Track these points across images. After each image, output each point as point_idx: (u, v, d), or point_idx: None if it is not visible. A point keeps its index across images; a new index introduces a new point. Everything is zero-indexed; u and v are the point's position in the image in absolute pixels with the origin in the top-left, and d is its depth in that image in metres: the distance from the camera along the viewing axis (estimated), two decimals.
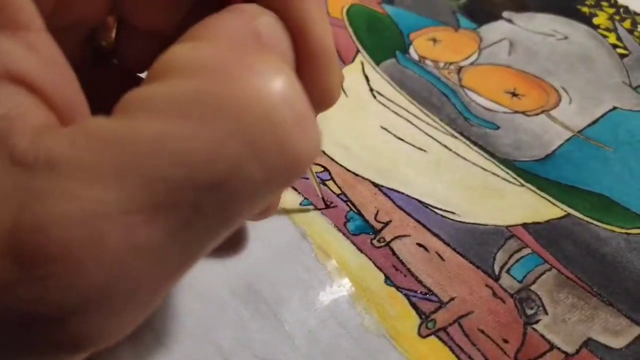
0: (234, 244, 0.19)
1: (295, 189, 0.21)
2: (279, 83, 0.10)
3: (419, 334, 0.17)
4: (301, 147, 0.10)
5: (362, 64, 0.27)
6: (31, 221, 0.09)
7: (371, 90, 0.25)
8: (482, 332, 0.18)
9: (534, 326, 0.18)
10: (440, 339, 0.17)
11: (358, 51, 0.27)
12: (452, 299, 0.18)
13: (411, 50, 0.28)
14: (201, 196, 0.09)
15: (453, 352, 0.17)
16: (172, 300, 0.17)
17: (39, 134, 0.09)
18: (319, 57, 0.13)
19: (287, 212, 0.20)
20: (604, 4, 0.31)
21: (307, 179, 0.21)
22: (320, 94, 0.14)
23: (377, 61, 0.27)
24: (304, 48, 0.13)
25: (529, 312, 0.18)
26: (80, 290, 0.09)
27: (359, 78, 0.26)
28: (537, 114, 0.25)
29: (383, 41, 0.28)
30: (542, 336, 0.18)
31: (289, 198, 0.21)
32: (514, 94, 0.26)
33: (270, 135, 0.10)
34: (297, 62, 0.13)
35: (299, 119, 0.10)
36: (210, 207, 0.10)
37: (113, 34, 0.16)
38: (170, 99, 0.10)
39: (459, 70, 0.27)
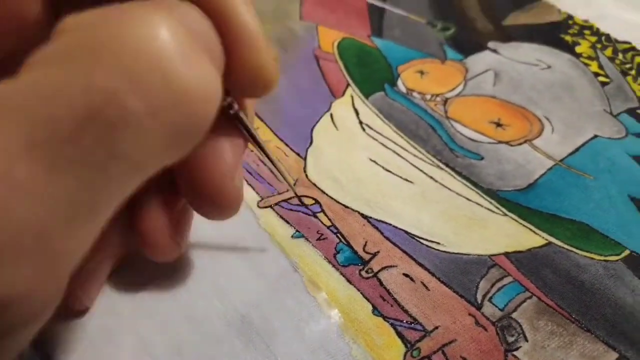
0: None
1: (287, 221, 0.22)
2: (157, 19, 0.11)
3: (404, 359, 0.18)
4: (187, 81, 0.11)
5: (352, 97, 0.28)
6: None
7: (360, 123, 0.27)
8: (465, 359, 0.19)
9: (515, 353, 0.19)
10: None
11: (348, 85, 0.29)
12: (436, 327, 0.19)
13: (399, 82, 0.29)
14: (79, 129, 0.10)
15: None
16: (174, 332, 0.18)
17: None
18: (242, 35, 0.14)
19: (279, 244, 0.21)
20: (586, 32, 0.32)
21: (299, 211, 0.22)
22: (252, 72, 0.15)
23: (367, 94, 0.28)
24: (226, 30, 0.13)
25: (510, 339, 0.19)
26: None
27: (349, 111, 0.27)
28: (521, 144, 0.26)
29: (372, 74, 0.29)
30: None
31: (281, 230, 0.22)
32: (498, 124, 0.27)
33: (151, 68, 0.10)
34: (225, 47, 0.13)
35: (184, 56, 0.11)
36: (91, 140, 0.10)
37: None
38: (55, 50, 0.10)
39: (445, 101, 0.28)
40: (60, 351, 0.18)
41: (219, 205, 0.17)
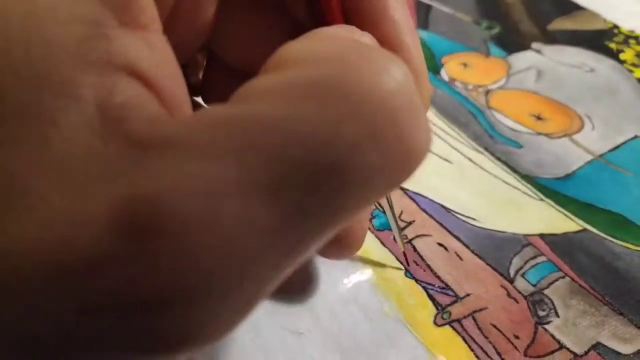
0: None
1: None
2: (397, 72, 0.10)
3: (435, 323, 0.19)
4: (418, 136, 0.10)
5: None
6: (145, 193, 0.08)
7: None
8: (495, 327, 0.19)
9: (545, 326, 0.19)
10: (454, 329, 0.18)
11: None
12: (468, 294, 0.19)
13: (442, 72, 0.30)
14: (319, 178, 0.09)
15: (465, 342, 0.18)
16: None
17: (154, 120, 0.09)
18: (415, 75, 0.13)
19: None
20: (632, 41, 0.33)
21: None
22: None
23: None
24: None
25: (541, 313, 0.19)
26: (192, 270, 0.09)
27: None
28: (560, 137, 0.26)
29: None
30: (552, 336, 0.19)
31: None
32: (539, 118, 0.27)
33: (389, 121, 0.10)
34: None
35: (415, 110, 0.10)
36: (326, 192, 0.09)
37: (201, 72, 0.17)
38: (290, 84, 0.10)
39: (487, 92, 0.28)
40: None
41: (350, 245, 0.17)
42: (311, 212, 0.09)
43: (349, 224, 0.15)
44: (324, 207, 0.10)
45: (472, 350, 0.18)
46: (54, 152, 0.09)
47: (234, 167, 0.09)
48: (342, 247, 0.17)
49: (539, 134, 0.26)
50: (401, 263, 0.20)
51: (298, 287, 0.19)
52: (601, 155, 0.26)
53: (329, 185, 0.09)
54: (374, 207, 0.22)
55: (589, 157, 0.25)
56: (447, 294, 0.19)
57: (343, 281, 0.19)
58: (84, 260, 0.09)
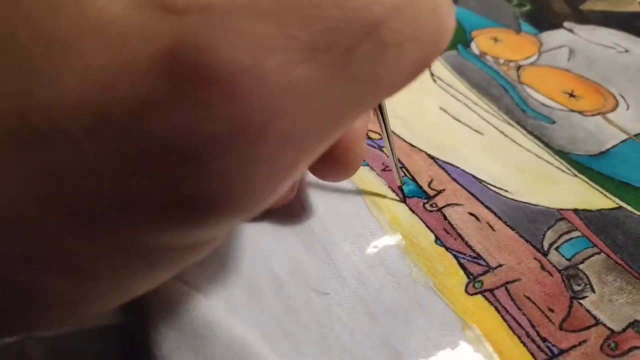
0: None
1: None
2: None
3: (466, 291, 0.18)
4: (448, 15, 0.11)
5: None
6: (192, 40, 0.08)
7: (432, 75, 0.26)
8: (529, 298, 0.18)
9: (581, 301, 0.18)
10: (486, 298, 0.18)
11: None
12: (500, 265, 0.19)
13: (472, 45, 0.29)
14: (356, 39, 0.09)
15: (498, 312, 0.17)
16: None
17: None
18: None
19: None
20: None
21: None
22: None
23: None
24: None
25: (576, 287, 0.18)
26: (236, 120, 0.09)
27: None
28: (594, 115, 0.25)
29: None
30: (588, 311, 0.18)
31: None
32: (572, 95, 0.26)
33: None
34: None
35: None
36: (362, 54, 0.10)
37: None
38: None
39: (518, 68, 0.28)
40: None
41: (348, 165, 0.17)
42: (348, 74, 0.10)
43: (349, 141, 0.16)
44: (360, 69, 0.10)
45: (505, 321, 0.17)
46: (89, 18, 0.08)
47: (275, 26, 0.09)
48: (340, 166, 0.17)
49: (572, 110, 0.25)
50: (432, 232, 0.19)
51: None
52: (636, 135, 0.25)
53: (365, 47, 0.10)
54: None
55: (624, 136, 0.24)
56: (479, 264, 0.19)
57: (370, 244, 0.19)
58: (125, 105, 0.08)
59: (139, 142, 0.09)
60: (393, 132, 0.23)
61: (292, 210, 0.19)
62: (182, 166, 0.09)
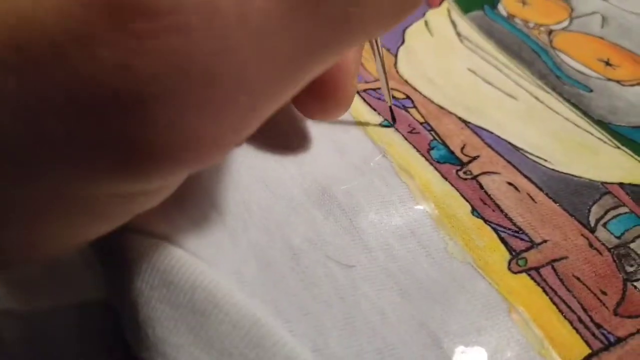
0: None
1: (375, 109, 0.19)
2: None
3: (509, 269, 0.15)
4: None
5: (449, 10, 0.25)
6: None
7: (458, 34, 0.24)
8: (578, 279, 0.16)
9: (635, 283, 0.16)
10: (532, 278, 0.15)
11: None
12: (545, 241, 0.16)
13: (499, 6, 0.26)
14: None
15: (546, 294, 0.15)
16: (240, 186, 0.16)
17: None
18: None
19: (364, 129, 0.18)
20: None
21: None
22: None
23: (464, 11, 0.25)
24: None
25: (629, 269, 0.16)
26: (181, 59, 0.08)
27: (445, 22, 0.24)
28: (633, 85, 0.23)
29: None
30: None
31: (368, 117, 0.19)
32: (608, 63, 0.24)
33: None
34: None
35: None
36: None
37: None
38: None
39: (550, 32, 0.25)
40: None
41: (337, 103, 0.16)
42: (319, 10, 0.08)
43: (337, 75, 0.15)
44: (332, 6, 0.09)
45: (554, 303, 0.15)
46: None
47: None
48: (328, 104, 0.16)
49: (610, 79, 0.23)
50: (468, 202, 0.17)
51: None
52: None
53: None
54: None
55: None
56: (521, 239, 0.16)
57: (399, 213, 0.16)
58: (47, 38, 0.07)
59: (64, 81, 0.07)
60: (420, 93, 0.21)
61: (309, 172, 0.17)
62: (117, 111, 0.08)
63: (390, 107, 0.19)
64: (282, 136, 0.17)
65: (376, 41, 0.17)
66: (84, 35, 0.07)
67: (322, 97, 0.15)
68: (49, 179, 0.09)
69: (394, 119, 0.19)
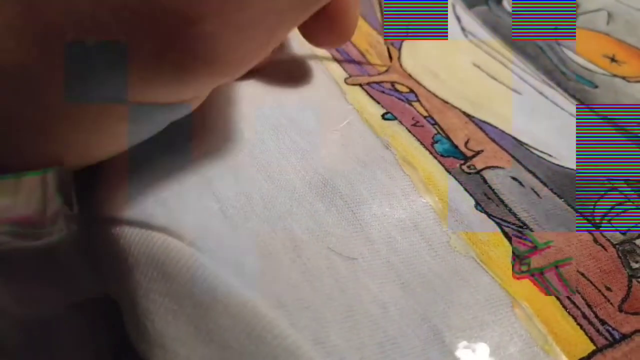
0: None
1: (378, 102, 0.19)
2: None
3: (513, 270, 0.15)
4: None
5: (454, 5, 0.25)
6: None
7: (463, 30, 0.24)
8: (583, 275, 0.15)
9: None
10: (536, 279, 0.15)
11: None
12: (548, 246, 0.16)
13: (504, 2, 0.26)
14: None
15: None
16: (241, 177, 0.15)
17: None
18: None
19: (367, 122, 0.18)
20: None
21: (391, 95, 0.19)
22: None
23: (469, 5, 0.25)
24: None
25: (634, 265, 0.16)
26: None
27: (450, 16, 0.24)
28: (638, 81, 0.23)
29: None
30: None
31: (371, 109, 0.19)
32: (613, 60, 0.24)
33: None
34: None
35: None
36: None
37: None
38: None
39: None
40: (114, 183, 0.15)
41: (341, 30, 0.17)
42: None
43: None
44: None
45: (558, 299, 0.15)
46: None
47: None
48: (333, 30, 0.17)
49: (615, 75, 0.23)
50: (471, 196, 0.17)
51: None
52: None
53: None
54: None
55: None
56: (524, 239, 0.16)
57: (402, 205, 0.16)
58: None
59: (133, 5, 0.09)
60: (424, 87, 0.20)
61: (311, 163, 0.16)
62: (170, 26, 0.10)
63: (387, 48, 0.21)
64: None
65: None
66: None
67: (328, 25, 0.17)
68: (112, 83, 0.10)
69: (390, 57, 0.21)
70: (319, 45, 0.19)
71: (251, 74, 0.18)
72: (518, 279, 0.15)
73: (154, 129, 0.13)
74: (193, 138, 0.16)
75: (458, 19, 0.24)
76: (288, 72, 0.19)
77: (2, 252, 0.26)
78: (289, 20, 0.12)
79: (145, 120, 0.12)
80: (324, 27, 0.17)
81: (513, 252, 0.16)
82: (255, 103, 0.18)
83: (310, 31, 0.17)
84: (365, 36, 0.22)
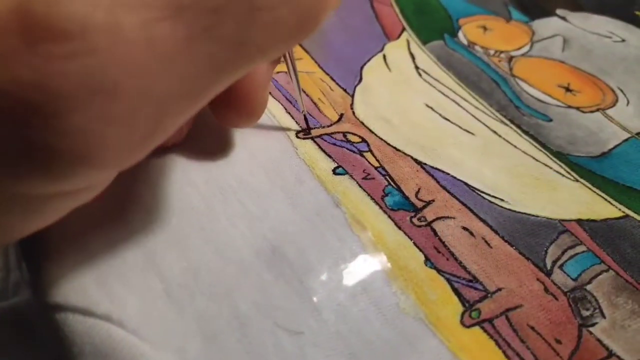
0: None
1: (330, 156, 0.19)
2: None
3: (462, 323, 0.15)
4: None
5: (408, 41, 0.25)
6: None
7: (417, 68, 0.24)
8: (533, 328, 0.16)
9: (590, 329, 0.16)
10: (485, 330, 0.15)
11: (404, 29, 0.26)
12: (499, 289, 0.16)
13: (460, 34, 0.26)
14: (225, 3, 0.09)
15: (499, 347, 0.15)
16: (188, 250, 0.15)
17: None
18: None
19: (319, 178, 0.18)
20: None
21: (343, 147, 0.20)
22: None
23: (424, 41, 0.25)
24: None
25: (585, 313, 0.16)
26: (88, 78, 0.09)
27: (403, 55, 0.24)
28: (593, 111, 0.23)
29: (430, 23, 0.26)
30: (600, 341, 0.16)
31: (323, 164, 0.19)
32: (568, 89, 0.24)
33: None
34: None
35: None
36: (232, 17, 0.10)
37: None
38: None
39: (510, 59, 0.25)
40: (56, 264, 0.15)
41: (249, 112, 0.17)
42: (214, 35, 0.10)
43: (249, 86, 0.16)
44: (228, 31, 0.10)
45: (507, 357, 0.15)
46: None
47: None
48: (240, 113, 0.17)
49: (570, 107, 0.23)
50: (421, 252, 0.17)
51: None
52: (638, 133, 0.22)
53: (233, 8, 0.10)
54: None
55: (626, 135, 0.22)
56: (475, 288, 0.16)
57: (351, 269, 0.16)
58: None
59: None
60: (376, 135, 0.20)
61: (260, 230, 0.16)
62: (33, 121, 0.09)
63: (304, 116, 0.20)
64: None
65: (290, 55, 0.18)
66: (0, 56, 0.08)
67: (234, 107, 0.17)
68: None
69: (308, 129, 0.20)
70: (227, 124, 0.19)
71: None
72: (468, 327, 0.15)
73: (54, 216, 0.12)
74: (135, 207, 0.16)
75: (412, 57, 0.24)
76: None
77: None
78: (174, 111, 0.11)
79: (37, 209, 0.12)
80: (230, 108, 0.17)
81: (462, 302, 0.16)
82: (203, 164, 0.18)
83: (216, 111, 0.17)
84: (317, 84, 0.22)
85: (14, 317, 0.23)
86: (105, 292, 0.14)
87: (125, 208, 0.16)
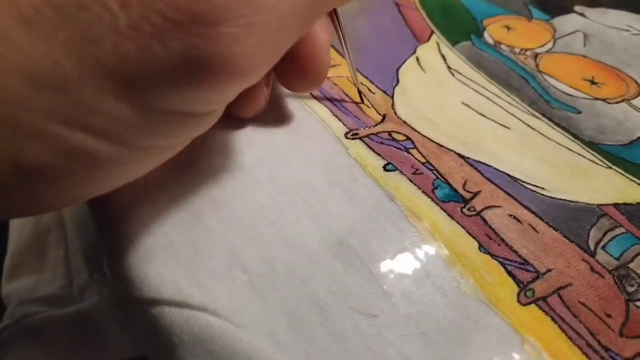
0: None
1: (379, 154, 0.20)
2: None
3: (519, 302, 0.17)
4: None
5: (438, 44, 0.26)
6: None
7: (449, 68, 0.25)
8: (584, 304, 0.17)
9: (637, 303, 0.17)
10: (540, 308, 0.17)
11: (432, 32, 0.27)
12: (549, 270, 0.18)
13: (485, 35, 0.27)
14: None
15: (555, 322, 0.16)
16: (262, 244, 0.17)
17: None
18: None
19: (371, 175, 0.20)
20: None
21: (390, 145, 0.21)
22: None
23: (453, 43, 0.27)
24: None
25: (630, 289, 0.17)
26: None
27: (435, 56, 0.26)
28: (618, 102, 0.24)
29: (457, 25, 0.28)
30: None
31: (373, 162, 0.20)
32: (593, 82, 0.25)
33: None
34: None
35: None
36: None
37: None
38: None
39: (536, 56, 0.26)
40: (146, 262, 0.16)
41: (314, 74, 0.19)
42: None
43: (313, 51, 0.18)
44: None
45: (563, 331, 0.16)
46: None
47: None
48: (307, 75, 0.19)
49: (596, 99, 0.24)
50: (474, 239, 0.18)
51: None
52: None
53: None
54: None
55: None
56: (527, 270, 0.17)
57: (413, 257, 0.17)
58: None
59: (163, 10, 0.11)
60: (419, 133, 0.22)
61: (324, 224, 0.18)
62: (195, 29, 0.11)
63: (358, 90, 0.23)
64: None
65: (338, 20, 0.20)
66: None
67: (300, 70, 0.19)
68: (147, 93, 0.12)
69: (361, 99, 0.23)
70: (294, 89, 0.21)
71: (253, 127, 0.21)
72: (524, 305, 0.16)
73: (177, 143, 0.15)
74: (210, 207, 0.18)
75: (444, 57, 0.26)
76: (291, 132, 0.21)
77: (34, 323, 0.27)
78: (291, 28, 0.13)
79: (168, 133, 0.14)
80: (297, 72, 0.19)
81: (517, 283, 0.17)
82: (264, 165, 0.19)
83: (285, 76, 0.19)
84: (360, 86, 0.24)
85: (81, 320, 0.25)
86: (197, 286, 0.15)
87: (202, 211, 0.18)
